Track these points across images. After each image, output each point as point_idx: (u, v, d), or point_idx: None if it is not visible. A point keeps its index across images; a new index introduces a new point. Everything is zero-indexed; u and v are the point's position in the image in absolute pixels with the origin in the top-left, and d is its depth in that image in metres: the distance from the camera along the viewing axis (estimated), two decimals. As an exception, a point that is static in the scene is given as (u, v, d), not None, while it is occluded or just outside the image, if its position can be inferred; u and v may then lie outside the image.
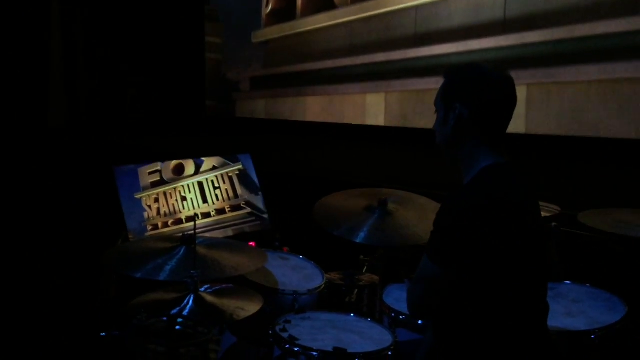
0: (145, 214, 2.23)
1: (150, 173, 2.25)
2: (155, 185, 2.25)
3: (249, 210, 2.30)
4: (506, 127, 1.94)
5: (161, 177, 2.28)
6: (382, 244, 2.85)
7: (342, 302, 2.73)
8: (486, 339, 1.86)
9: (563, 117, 3.46)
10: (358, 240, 2.73)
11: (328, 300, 2.71)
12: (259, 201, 2.44)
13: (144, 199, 2.25)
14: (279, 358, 2.24)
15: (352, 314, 2.51)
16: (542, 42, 3.41)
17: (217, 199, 2.31)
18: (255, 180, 2.57)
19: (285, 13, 4.50)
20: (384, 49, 3.79)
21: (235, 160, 2.38)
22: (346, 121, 3.98)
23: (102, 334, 1.71)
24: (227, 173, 2.27)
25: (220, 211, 2.31)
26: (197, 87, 5.09)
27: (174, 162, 2.30)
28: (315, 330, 2.33)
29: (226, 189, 2.29)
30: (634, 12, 3.27)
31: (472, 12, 3.56)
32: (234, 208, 2.29)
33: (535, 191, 1.98)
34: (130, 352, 1.56)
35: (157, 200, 2.24)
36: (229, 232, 2.33)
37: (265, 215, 2.43)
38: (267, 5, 4.66)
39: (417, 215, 2.85)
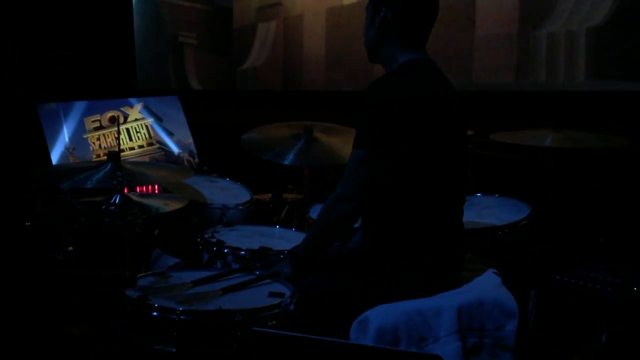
0: (91, 148, 3.08)
1: (92, 121, 3.13)
2: (97, 129, 3.13)
3: (158, 145, 3.23)
4: (427, 30, 2.05)
5: (100, 124, 3.15)
6: (309, 165, 2.97)
7: (270, 220, 2.83)
8: (410, 222, 1.97)
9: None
10: (286, 162, 2.84)
11: (256, 216, 2.80)
12: (169, 140, 3.28)
13: (89, 138, 3.10)
14: (207, 263, 2.32)
15: (277, 226, 2.62)
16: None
17: (139, 139, 3.23)
18: (172, 123, 3.36)
19: None
20: None
21: (154, 112, 3.31)
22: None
23: (27, 223, 1.73)
24: (144, 123, 3.21)
25: (140, 146, 3.22)
26: (126, 58, 5.04)
27: (109, 114, 3.16)
28: (242, 238, 2.42)
29: (144, 133, 3.23)
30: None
31: None
32: (149, 144, 3.23)
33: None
34: (56, 229, 1.59)
35: (98, 139, 3.12)
36: (145, 159, 3.23)
37: (171, 148, 3.26)
38: None
39: (341, 141, 2.98)
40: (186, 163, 3.23)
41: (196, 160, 3.26)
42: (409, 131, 1.90)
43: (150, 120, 3.25)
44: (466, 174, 2.12)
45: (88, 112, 3.15)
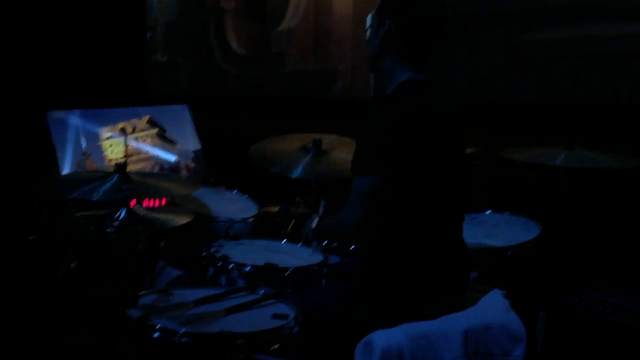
0: (104, 155, 3.29)
1: (106, 131, 3.36)
2: (109, 138, 3.35)
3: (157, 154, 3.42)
4: (431, 48, 2.04)
5: (112, 134, 3.36)
6: (318, 178, 2.95)
7: (276, 233, 2.81)
8: (412, 241, 1.96)
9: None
10: (294, 176, 2.83)
11: (263, 230, 2.78)
12: (165, 151, 3.43)
13: (103, 145, 3.30)
14: (211, 277, 2.30)
15: (284, 240, 2.60)
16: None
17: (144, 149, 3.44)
18: (177, 132, 3.52)
19: None
20: None
21: (159, 123, 3.51)
22: None
23: (30, 238, 1.72)
24: (148, 134, 3.42)
25: (145, 153, 3.42)
26: (138, 65, 5.11)
27: (120, 125, 3.36)
28: (248, 252, 2.39)
29: (149, 142, 3.44)
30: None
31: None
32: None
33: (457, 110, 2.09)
34: (60, 244, 1.58)
35: (111, 146, 3.33)
36: (151, 163, 3.41)
37: (167, 158, 3.41)
38: None
39: (349, 153, 2.95)
40: (184, 170, 3.33)
41: (193, 165, 3.33)
42: (406, 151, 1.89)
43: (155, 130, 3.43)
44: (466, 192, 2.09)
45: (101, 121, 3.35)
